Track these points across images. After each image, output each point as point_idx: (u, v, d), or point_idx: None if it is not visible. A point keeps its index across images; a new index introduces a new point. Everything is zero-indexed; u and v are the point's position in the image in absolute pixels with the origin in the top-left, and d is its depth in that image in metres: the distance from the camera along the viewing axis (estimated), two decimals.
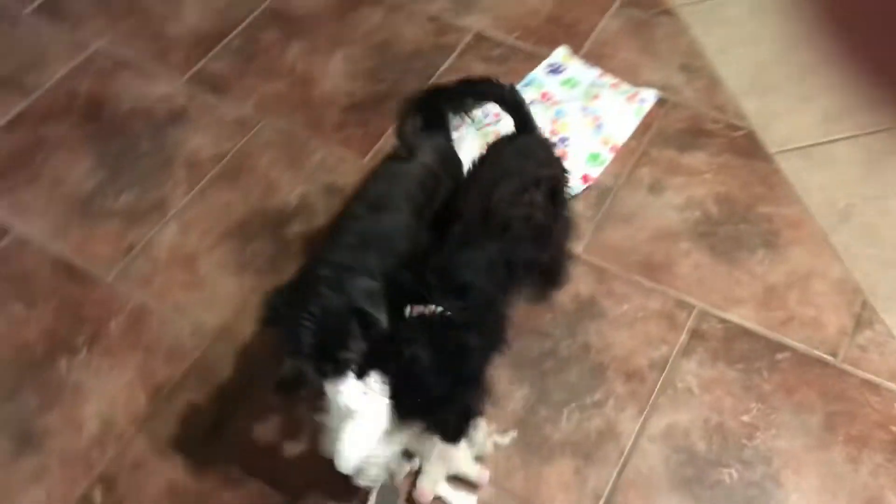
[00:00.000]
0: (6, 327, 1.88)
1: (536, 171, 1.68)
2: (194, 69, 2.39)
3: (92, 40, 2.47)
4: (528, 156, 1.71)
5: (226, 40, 2.45)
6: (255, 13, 2.51)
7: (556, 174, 1.74)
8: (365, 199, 1.64)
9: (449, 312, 1.43)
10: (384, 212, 1.59)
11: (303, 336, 1.35)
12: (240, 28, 2.48)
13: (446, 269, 1.47)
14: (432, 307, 1.42)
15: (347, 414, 1.40)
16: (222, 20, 2.50)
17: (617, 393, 1.71)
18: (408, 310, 1.43)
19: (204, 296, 1.91)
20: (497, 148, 1.72)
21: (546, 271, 1.82)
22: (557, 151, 1.78)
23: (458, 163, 1.80)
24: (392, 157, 1.74)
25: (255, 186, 2.10)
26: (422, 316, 1.42)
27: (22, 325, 1.88)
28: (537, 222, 1.65)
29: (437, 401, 1.38)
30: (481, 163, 1.68)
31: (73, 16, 2.55)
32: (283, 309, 1.40)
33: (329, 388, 1.40)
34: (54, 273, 1.97)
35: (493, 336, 1.52)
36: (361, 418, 1.41)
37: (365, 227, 1.57)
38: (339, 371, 1.38)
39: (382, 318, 1.40)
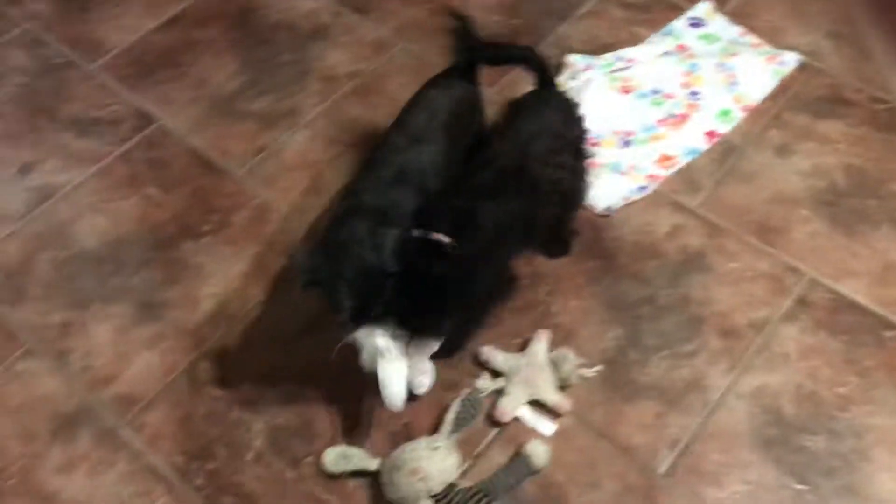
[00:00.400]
0: (143, 207, 2.03)
1: (566, 131, 1.70)
2: None
3: None
4: (560, 114, 1.72)
5: None
6: None
7: (580, 134, 1.74)
8: (404, 129, 1.67)
9: (446, 240, 1.45)
10: (422, 143, 1.63)
11: (342, 299, 1.43)
12: None
13: (467, 210, 1.50)
14: (433, 235, 1.46)
15: (380, 354, 1.52)
16: None
17: (711, 347, 1.70)
18: (414, 233, 1.47)
19: (322, 201, 1.99)
20: (528, 103, 1.73)
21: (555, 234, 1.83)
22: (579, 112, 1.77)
23: (482, 97, 1.84)
24: (429, 84, 1.77)
25: (383, 106, 2.16)
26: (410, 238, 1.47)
27: (156, 207, 2.02)
28: (565, 187, 1.67)
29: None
30: (516, 114, 1.70)
31: None
32: (321, 270, 1.45)
33: (363, 335, 1.52)
34: (190, 163, 2.10)
35: (483, 284, 1.54)
36: (392, 354, 1.52)
37: (404, 159, 1.60)
38: (375, 323, 1.49)
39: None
